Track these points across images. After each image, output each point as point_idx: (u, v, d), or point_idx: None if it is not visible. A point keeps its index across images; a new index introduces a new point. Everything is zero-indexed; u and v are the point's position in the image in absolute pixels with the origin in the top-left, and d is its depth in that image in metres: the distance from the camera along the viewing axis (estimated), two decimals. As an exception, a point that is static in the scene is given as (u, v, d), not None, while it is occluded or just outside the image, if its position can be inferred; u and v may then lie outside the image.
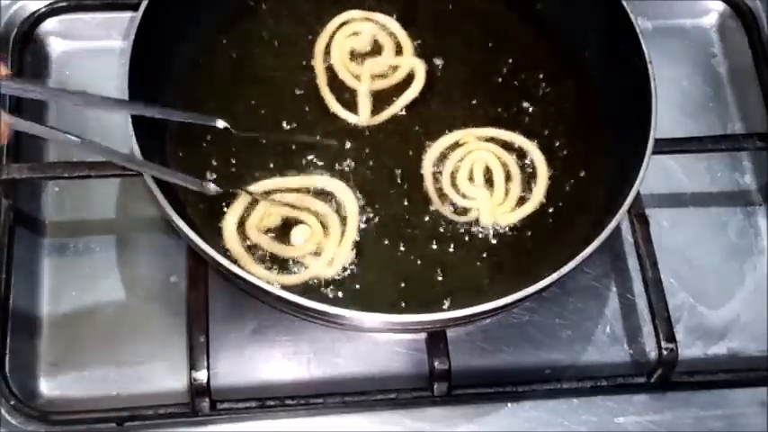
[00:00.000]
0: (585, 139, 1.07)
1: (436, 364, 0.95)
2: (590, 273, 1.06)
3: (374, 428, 0.97)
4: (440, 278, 0.99)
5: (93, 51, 1.15)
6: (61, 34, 1.15)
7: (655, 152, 0.97)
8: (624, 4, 1.04)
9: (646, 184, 0.96)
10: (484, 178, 1.05)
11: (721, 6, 1.22)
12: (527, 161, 1.06)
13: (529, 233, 1.03)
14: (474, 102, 1.10)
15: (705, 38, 1.24)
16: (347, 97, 1.09)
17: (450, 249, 1.01)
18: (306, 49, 1.11)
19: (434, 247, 1.01)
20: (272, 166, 1.04)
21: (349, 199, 1.02)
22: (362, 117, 1.08)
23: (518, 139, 1.07)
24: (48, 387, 0.98)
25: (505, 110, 1.09)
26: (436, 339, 0.96)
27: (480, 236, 1.02)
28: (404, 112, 1.09)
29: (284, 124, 1.07)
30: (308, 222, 1.01)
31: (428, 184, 1.05)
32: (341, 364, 1.00)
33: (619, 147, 1.05)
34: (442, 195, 1.04)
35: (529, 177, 1.05)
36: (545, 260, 0.98)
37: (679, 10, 1.24)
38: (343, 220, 1.01)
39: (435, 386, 0.96)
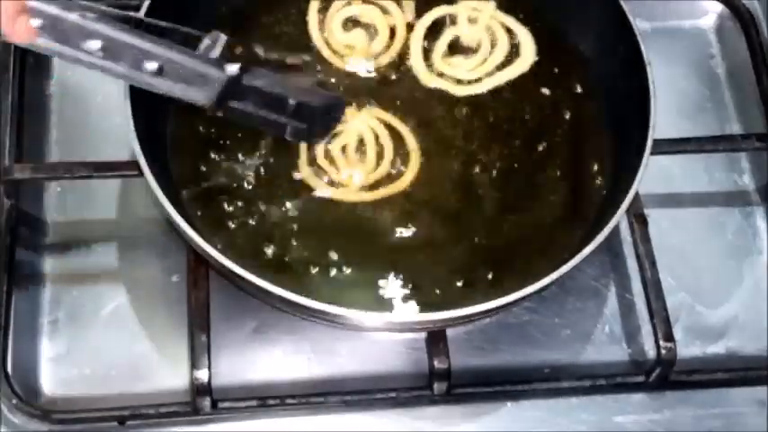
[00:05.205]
0: (584, 140, 1.08)
1: (436, 363, 0.95)
2: (589, 272, 1.06)
3: (374, 428, 0.98)
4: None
5: (94, 52, 1.15)
6: (62, 35, 1.15)
7: (653, 153, 0.97)
8: (623, 5, 1.04)
9: (644, 184, 0.97)
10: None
11: (719, 8, 1.22)
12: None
13: (528, 233, 1.03)
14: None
15: (703, 39, 1.24)
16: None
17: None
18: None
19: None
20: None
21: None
22: None
23: None
24: (49, 386, 0.98)
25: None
26: (436, 339, 0.96)
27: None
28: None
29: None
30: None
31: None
32: (341, 364, 1.00)
33: (618, 147, 1.05)
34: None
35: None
36: (545, 260, 0.99)
37: (677, 11, 1.24)
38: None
39: (435, 385, 0.96)
